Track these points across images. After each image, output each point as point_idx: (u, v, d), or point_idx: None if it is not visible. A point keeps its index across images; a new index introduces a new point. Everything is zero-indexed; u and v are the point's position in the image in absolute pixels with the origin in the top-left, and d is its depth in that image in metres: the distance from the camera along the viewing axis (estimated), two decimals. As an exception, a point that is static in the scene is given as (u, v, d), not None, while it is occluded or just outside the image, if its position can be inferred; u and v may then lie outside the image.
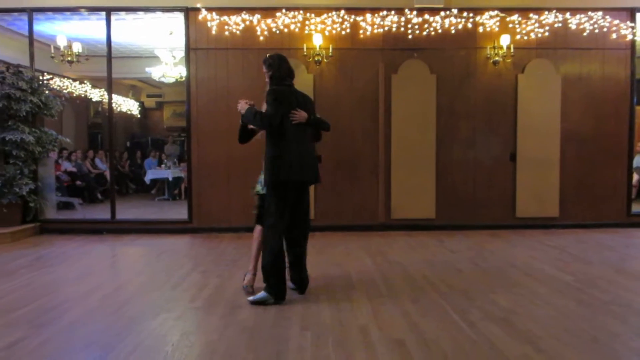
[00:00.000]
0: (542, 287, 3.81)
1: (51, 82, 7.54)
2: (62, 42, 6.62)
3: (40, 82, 6.43)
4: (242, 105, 3.73)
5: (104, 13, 6.39)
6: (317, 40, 6.11)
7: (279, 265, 3.39)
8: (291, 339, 2.78)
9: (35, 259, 4.99)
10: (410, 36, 6.26)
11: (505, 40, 6.18)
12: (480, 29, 6.29)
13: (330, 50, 6.14)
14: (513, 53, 6.19)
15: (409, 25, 6.25)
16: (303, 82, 6.25)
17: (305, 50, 6.13)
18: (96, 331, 2.95)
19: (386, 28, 6.26)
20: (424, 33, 6.27)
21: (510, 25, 6.29)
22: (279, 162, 3.44)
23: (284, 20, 6.21)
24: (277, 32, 6.23)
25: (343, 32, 6.24)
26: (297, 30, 6.23)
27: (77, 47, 6.76)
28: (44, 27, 6.73)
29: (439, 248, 5.35)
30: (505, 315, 3.16)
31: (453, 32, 6.25)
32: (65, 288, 3.90)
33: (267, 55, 3.75)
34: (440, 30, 6.26)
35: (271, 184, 3.49)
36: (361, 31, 6.26)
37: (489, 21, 6.26)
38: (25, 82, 6.07)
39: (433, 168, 6.31)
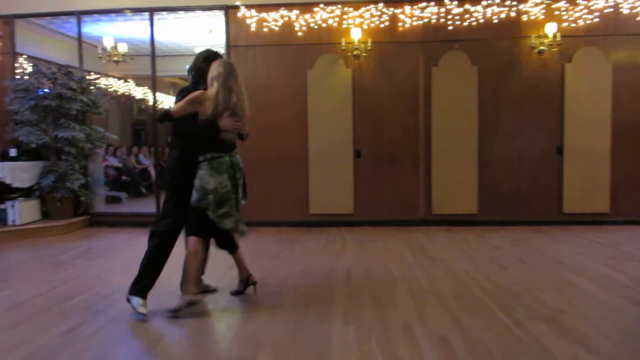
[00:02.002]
0: (592, 285, 3.68)
1: (98, 81, 7.82)
2: (109, 43, 6.85)
3: (89, 82, 6.69)
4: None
5: (147, 13, 6.58)
6: (356, 34, 6.08)
7: None
8: (334, 334, 2.80)
9: (87, 250, 5.23)
10: (450, 27, 6.13)
11: (551, 28, 5.95)
12: (524, 18, 6.09)
13: (369, 44, 6.10)
14: (560, 41, 5.96)
15: (449, 16, 6.13)
16: (341, 76, 6.27)
17: (343, 44, 6.11)
18: (143, 323, 3.05)
19: (426, 20, 6.16)
20: (465, 24, 6.13)
21: (557, 13, 6.05)
22: None
23: (322, 15, 6.21)
24: (316, 27, 6.23)
25: (382, 26, 6.18)
26: (335, 24, 6.22)
27: (122, 48, 6.98)
28: (90, 28, 6.98)
29: (481, 244, 5.24)
30: (553, 314, 3.07)
31: (495, 21, 6.08)
32: (115, 278, 4.05)
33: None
34: (482, 20, 6.10)
35: None
36: (400, 24, 6.18)
37: (533, 9, 6.05)
38: (75, 82, 6.34)
39: (475, 162, 6.18)
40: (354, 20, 6.18)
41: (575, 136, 6.09)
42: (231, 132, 3.21)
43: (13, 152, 6.20)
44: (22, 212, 6.01)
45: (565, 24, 6.04)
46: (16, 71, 6.73)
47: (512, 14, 6.07)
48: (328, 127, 6.30)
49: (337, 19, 6.20)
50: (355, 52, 6.11)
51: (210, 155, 3.13)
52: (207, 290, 3.59)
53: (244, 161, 6.27)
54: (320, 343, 2.68)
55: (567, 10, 6.05)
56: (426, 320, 3.00)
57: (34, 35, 7.46)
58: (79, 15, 6.61)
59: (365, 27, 6.17)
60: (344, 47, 6.12)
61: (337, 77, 6.28)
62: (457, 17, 6.11)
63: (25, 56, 6.98)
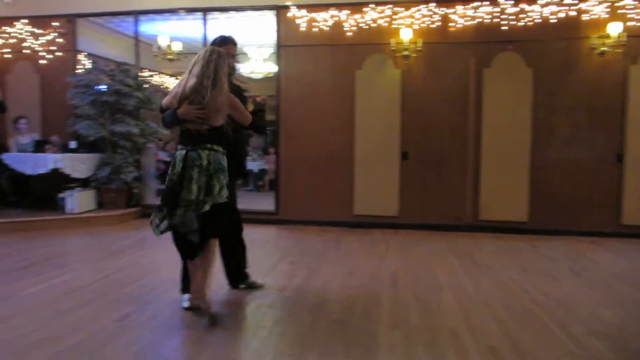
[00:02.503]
0: (653, 301, 3.49)
1: (152, 78, 8.12)
2: (164, 42, 7.08)
3: (144, 79, 6.94)
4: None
5: (201, 13, 6.75)
6: (406, 35, 6.01)
7: None
8: (380, 336, 2.78)
9: (139, 240, 5.42)
10: (504, 27, 5.95)
11: (615, 28, 5.66)
12: (585, 17, 5.82)
13: (419, 45, 6.01)
14: (624, 42, 5.63)
15: (504, 16, 5.95)
16: (390, 77, 6.22)
17: (393, 45, 6.05)
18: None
19: (478, 20, 6.01)
20: (520, 24, 5.93)
21: (621, 11, 5.73)
22: None
23: (372, 15, 6.18)
24: (365, 27, 6.21)
25: (433, 26, 6.08)
26: (385, 24, 6.17)
27: (177, 46, 7.20)
28: (145, 27, 7.24)
29: (532, 254, 5.07)
30: (611, 331, 2.92)
31: (553, 21, 5.85)
32: (165, 269, 4.18)
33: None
34: (538, 20, 5.88)
35: None
36: (452, 24, 6.06)
37: (595, 8, 5.78)
38: (132, 79, 6.59)
39: (527, 167, 5.97)
40: (404, 20, 6.11)
41: (639, 143, 5.77)
42: (196, 122, 2.87)
43: (73, 144, 6.52)
44: (79, 201, 6.30)
45: (631, 23, 5.73)
46: (77, 67, 7.07)
47: (572, 13, 5.82)
48: (375, 128, 6.26)
49: (387, 19, 6.15)
50: (404, 53, 6.04)
51: (178, 147, 2.97)
52: (254, 286, 3.64)
53: (291, 159, 6.41)
54: (366, 345, 2.66)
55: (634, 8, 5.72)
56: (474, 328, 2.93)
57: (93, 33, 7.81)
58: (137, 14, 6.87)
59: (415, 27, 6.09)
60: (393, 48, 6.06)
61: (385, 78, 6.23)
62: (511, 17, 5.93)
63: (85, 53, 7.32)
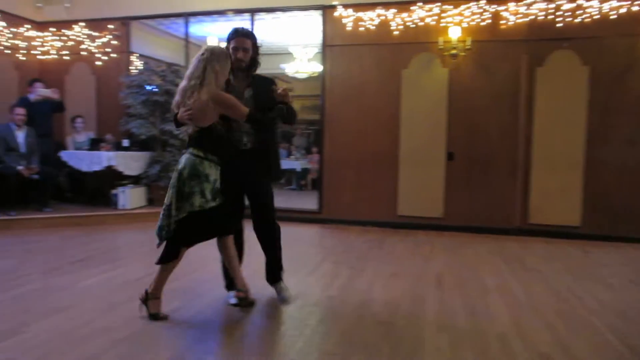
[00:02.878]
0: None
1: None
2: (212, 43, 7.25)
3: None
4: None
5: (248, 14, 6.87)
6: (454, 33, 5.89)
7: None
8: (427, 339, 2.74)
9: (186, 238, 5.56)
10: (559, 24, 5.73)
11: (680, 25, 5.35)
12: (648, 13, 5.53)
13: (468, 43, 5.88)
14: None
15: (559, 13, 5.72)
16: (437, 76, 6.12)
17: (441, 43, 5.94)
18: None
19: (532, 17, 5.80)
20: (577, 20, 5.68)
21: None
22: None
23: (419, 14, 6.09)
24: (412, 26, 6.13)
25: (483, 24, 5.92)
26: (433, 23, 6.07)
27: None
28: (194, 28, 7.42)
29: (585, 259, 4.86)
30: (675, 342, 2.77)
31: (613, 17, 5.57)
32: (211, 265, 4.26)
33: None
34: (597, 16, 5.62)
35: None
36: (503, 21, 5.88)
37: (660, 3, 5.47)
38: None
39: (581, 170, 5.72)
40: (453, 18, 5.99)
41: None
42: (188, 124, 2.87)
43: (125, 143, 6.78)
44: (131, 197, 6.55)
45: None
46: (130, 68, 7.35)
47: (635, 8, 5.52)
48: (420, 127, 6.17)
49: (435, 18, 6.05)
50: (452, 52, 5.92)
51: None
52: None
53: (335, 159, 6.42)
54: (412, 347, 2.63)
55: None
56: (524, 334, 2.84)
57: (145, 35, 8.09)
58: (187, 16, 7.06)
59: (464, 25, 5.96)
60: (441, 46, 5.95)
61: (432, 77, 6.13)
62: (567, 14, 5.70)
63: (137, 54, 7.60)
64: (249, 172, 3.14)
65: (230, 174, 3.04)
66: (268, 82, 3.13)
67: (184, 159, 2.89)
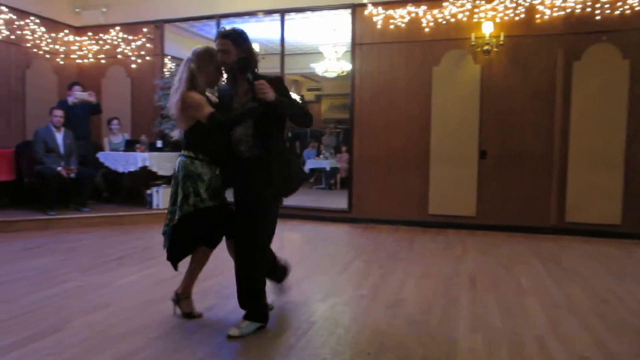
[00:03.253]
0: None
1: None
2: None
3: (224, 80, 7.22)
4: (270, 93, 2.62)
5: (278, 15, 6.91)
6: (487, 29, 5.77)
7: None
8: (460, 340, 2.70)
9: (218, 237, 5.64)
10: (598, 17, 5.54)
11: None
12: (693, 4, 5.29)
13: (501, 38, 5.75)
14: None
15: (597, 5, 5.54)
16: (469, 73, 6.02)
17: (473, 39, 5.83)
18: (274, 306, 3.21)
19: (568, 10, 5.64)
20: (616, 12, 5.49)
21: None
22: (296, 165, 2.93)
23: (451, 10, 6.00)
24: (444, 22, 6.04)
25: (516, 18, 5.79)
26: (465, 19, 5.97)
27: (256, 47, 7.41)
28: (226, 30, 7.52)
29: (626, 259, 4.69)
30: None
31: (656, 8, 5.36)
32: (244, 265, 4.33)
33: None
34: (638, 8, 5.41)
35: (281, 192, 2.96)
36: (538, 15, 5.74)
37: None
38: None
39: (621, 167, 5.51)
40: (486, 13, 5.87)
41: None
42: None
43: (159, 144, 6.93)
44: (164, 197, 6.69)
45: None
46: (164, 71, 7.51)
47: (678, 0, 5.30)
48: (452, 125, 6.08)
49: (467, 13, 5.94)
50: (485, 47, 5.81)
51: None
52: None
53: (365, 158, 6.40)
54: (446, 347, 2.60)
55: None
56: (563, 337, 2.76)
57: (178, 38, 8.26)
58: (219, 18, 7.16)
59: (497, 20, 5.83)
60: (473, 43, 5.84)
61: (464, 74, 6.03)
62: (606, 6, 5.51)
63: (170, 57, 7.76)
64: (244, 185, 2.80)
65: (228, 183, 2.95)
66: (273, 82, 2.67)
67: (177, 162, 2.91)
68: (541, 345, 2.64)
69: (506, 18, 5.82)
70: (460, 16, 5.97)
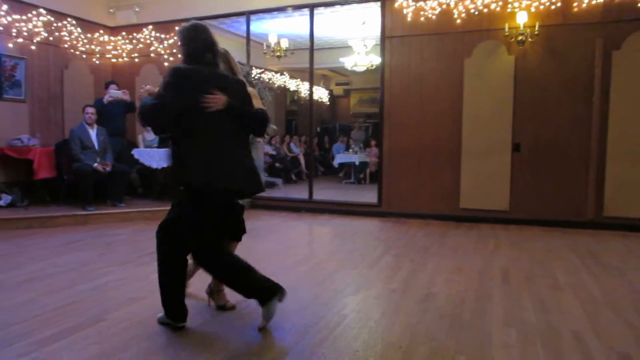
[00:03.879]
0: None
1: (261, 75, 8.53)
2: (273, 40, 7.38)
3: (254, 77, 7.29)
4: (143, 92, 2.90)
5: (307, 9, 6.92)
6: (521, 19, 5.62)
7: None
8: (494, 334, 2.67)
9: (249, 230, 5.60)
10: (639, 4, 5.33)
11: None
12: None
13: (537, 28, 5.60)
14: None
15: (638, -9, 5.33)
16: (502, 64, 5.89)
17: (506, 30, 5.70)
18: (305, 300, 3.25)
19: (607, -3, 5.44)
20: (658, -2, 5.27)
21: None
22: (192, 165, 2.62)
23: (483, 0, 5.88)
24: (476, 13, 5.92)
25: (552, 7, 5.62)
26: (498, 9, 5.83)
27: (284, 43, 7.47)
28: (253, 26, 7.58)
29: (669, 254, 4.52)
30: None
31: (701, -7, 5.12)
32: (275, 258, 4.39)
33: (182, 25, 2.81)
34: (681, -7, 5.19)
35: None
36: (575, 4, 5.55)
37: None
38: (243, 77, 6.95)
39: (663, 159, 5.31)
40: (520, 3, 5.72)
41: None
42: None
43: (191, 140, 7.04)
44: (197, 192, 6.81)
45: None
46: (195, 68, 7.63)
47: None
48: (484, 118, 5.97)
49: (500, 3, 5.81)
50: (519, 38, 5.66)
51: None
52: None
53: (395, 152, 6.36)
54: (479, 341, 2.57)
55: None
56: (601, 333, 2.69)
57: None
58: (248, 14, 7.23)
59: (532, 9, 5.68)
60: (507, 33, 5.70)
61: (497, 65, 5.90)
62: (647, -8, 5.29)
63: (201, 54, 7.87)
64: None
65: None
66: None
67: None
68: (578, 341, 2.58)
69: (541, 7, 5.66)
70: (493, 6, 5.84)
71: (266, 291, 2.71)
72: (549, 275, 3.83)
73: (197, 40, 2.69)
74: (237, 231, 3.14)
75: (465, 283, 3.60)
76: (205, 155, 2.59)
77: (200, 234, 2.70)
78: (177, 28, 2.68)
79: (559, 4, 5.59)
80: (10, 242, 4.99)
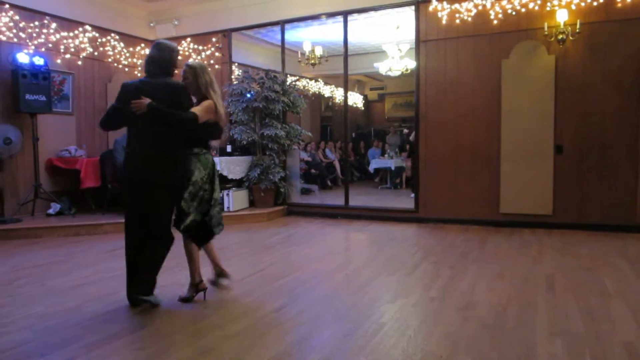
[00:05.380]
0: None
1: (296, 83, 8.61)
2: (307, 48, 7.45)
3: (289, 84, 7.38)
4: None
5: (341, 16, 6.95)
6: (562, 17, 5.46)
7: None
8: (539, 344, 2.58)
9: (287, 237, 5.78)
10: (688, -3, 5.08)
11: None
12: None
13: (578, 26, 5.42)
14: None
15: (688, -16, 5.08)
16: (542, 64, 5.73)
17: (546, 29, 5.54)
18: (343, 307, 3.24)
19: (653, -9, 5.21)
20: None
21: None
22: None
23: (521, 0, 5.74)
24: (513, 13, 5.79)
25: (594, 4, 5.42)
26: (536, 8, 5.68)
27: (319, 51, 7.51)
28: (288, 35, 7.67)
29: None
30: None
31: None
32: (312, 264, 4.40)
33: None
34: None
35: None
36: (619, -1, 5.35)
37: None
38: (279, 85, 7.05)
39: None
40: (560, 1, 5.55)
41: None
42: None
43: (229, 148, 7.20)
44: (234, 200, 6.95)
45: None
46: (232, 77, 7.79)
47: None
48: (524, 120, 5.81)
49: (539, 2, 5.66)
50: (560, 37, 5.49)
51: (197, 151, 3.34)
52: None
53: (432, 156, 6.27)
54: (522, 352, 2.50)
55: None
56: (655, 344, 2.56)
57: (243, 45, 8.53)
58: (283, 24, 7.32)
59: (573, 7, 5.50)
60: (546, 32, 5.55)
61: (536, 65, 5.74)
62: (698, -17, 5.04)
63: (236, 64, 8.03)
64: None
65: None
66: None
67: (207, 161, 3.40)
68: (630, 353, 2.46)
69: (582, 4, 5.47)
70: (531, 5, 5.69)
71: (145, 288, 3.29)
72: (596, 281, 3.68)
73: (148, 55, 3.38)
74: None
75: (507, 291, 3.50)
76: (127, 149, 3.30)
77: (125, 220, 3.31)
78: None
79: (601, 0, 5.39)
80: (60, 248, 5.22)
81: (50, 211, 6.54)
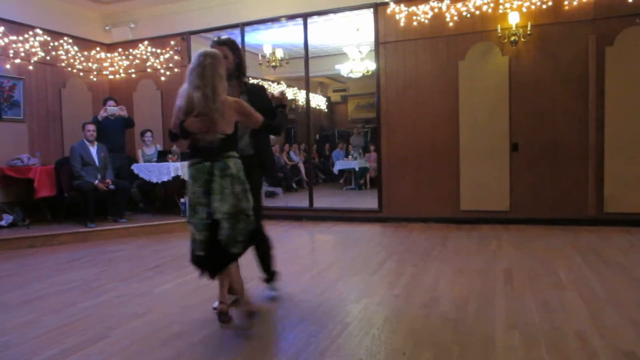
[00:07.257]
0: None
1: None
2: (267, 50, 7.43)
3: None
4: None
5: (301, 19, 6.96)
6: (514, 19, 5.66)
7: None
8: (498, 337, 2.66)
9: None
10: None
11: None
12: None
13: (529, 28, 5.62)
14: None
15: (629, -13, 5.36)
16: (496, 65, 5.91)
17: (499, 31, 5.73)
18: (309, 308, 3.24)
19: (598, -6, 5.47)
20: (649, -7, 5.29)
21: None
22: None
23: (475, 3, 5.91)
24: (468, 15, 5.96)
25: (544, 6, 5.65)
26: (490, 11, 5.87)
27: (279, 53, 7.51)
28: (248, 37, 7.63)
29: (672, 249, 4.51)
30: None
31: (692, -14, 5.14)
32: (278, 267, 4.37)
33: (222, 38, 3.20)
34: (672, -12, 5.21)
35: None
36: (566, 2, 5.58)
37: None
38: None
39: (662, 154, 5.31)
40: (512, 3, 5.76)
41: None
42: (209, 132, 2.75)
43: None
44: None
45: None
46: (192, 81, 7.66)
47: None
48: (481, 119, 5.99)
49: (492, 5, 5.84)
50: (512, 38, 5.69)
51: (190, 161, 2.85)
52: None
53: (394, 156, 6.36)
54: (482, 345, 2.57)
55: None
56: (606, 331, 2.68)
57: (202, 47, 8.37)
58: (242, 26, 7.27)
59: (524, 10, 5.71)
60: (499, 34, 5.74)
61: (491, 66, 5.93)
62: (639, -13, 5.32)
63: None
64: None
65: None
66: (260, 89, 3.38)
67: (231, 164, 2.79)
68: (583, 341, 2.57)
69: (533, 7, 5.69)
70: (485, 8, 5.88)
71: None
72: (551, 274, 3.82)
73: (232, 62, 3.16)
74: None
75: (468, 286, 3.59)
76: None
77: None
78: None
79: (549, 3, 5.62)
80: (13, 261, 5.00)
81: (2, 223, 6.26)
